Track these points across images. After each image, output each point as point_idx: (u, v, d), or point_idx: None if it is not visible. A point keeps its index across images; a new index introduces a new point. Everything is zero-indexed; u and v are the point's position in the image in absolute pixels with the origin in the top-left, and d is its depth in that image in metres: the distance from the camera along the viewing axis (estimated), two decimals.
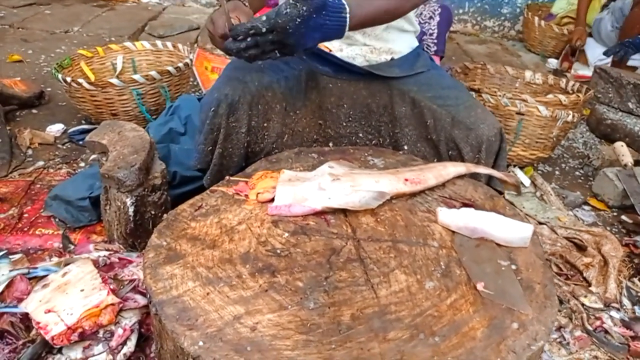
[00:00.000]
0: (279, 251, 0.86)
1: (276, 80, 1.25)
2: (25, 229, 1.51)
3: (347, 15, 0.96)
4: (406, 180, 1.01)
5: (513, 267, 0.85)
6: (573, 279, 1.45)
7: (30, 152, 1.92)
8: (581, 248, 1.56)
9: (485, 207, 1.01)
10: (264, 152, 1.28)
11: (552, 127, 1.88)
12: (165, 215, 0.94)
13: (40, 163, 1.85)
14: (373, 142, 1.34)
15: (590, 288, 1.40)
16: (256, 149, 1.28)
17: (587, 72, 3.01)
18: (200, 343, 0.69)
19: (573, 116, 1.88)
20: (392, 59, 1.31)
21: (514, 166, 2.01)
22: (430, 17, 2.38)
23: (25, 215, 1.58)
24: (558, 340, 1.27)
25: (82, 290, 1.02)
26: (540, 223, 1.72)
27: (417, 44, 1.37)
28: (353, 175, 1.00)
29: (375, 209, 0.96)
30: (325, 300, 0.76)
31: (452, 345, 0.70)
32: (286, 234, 0.89)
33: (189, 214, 0.95)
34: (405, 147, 1.28)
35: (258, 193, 0.98)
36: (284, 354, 0.68)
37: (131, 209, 1.20)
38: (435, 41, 2.38)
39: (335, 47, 1.29)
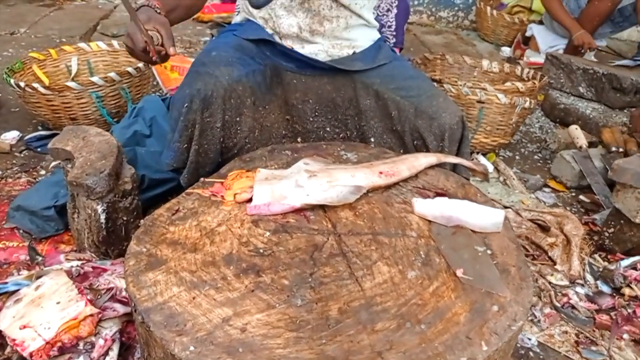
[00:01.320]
0: (261, 250, 0.86)
1: (245, 74, 1.24)
2: None
3: None
4: (381, 173, 1.03)
5: (489, 252, 0.89)
6: (539, 259, 1.52)
7: None
8: (545, 229, 1.63)
9: (458, 195, 1.04)
10: (237, 147, 1.27)
11: (512, 114, 1.95)
12: (142, 221, 0.92)
13: None
14: (341, 135, 1.35)
15: (555, 267, 1.47)
16: (229, 144, 1.27)
17: (539, 59, 3.12)
18: (192, 348, 0.68)
19: (530, 102, 1.96)
20: (354, 53, 1.33)
21: (477, 153, 2.08)
22: (388, 10, 2.40)
23: None
24: (529, 318, 1.33)
25: (58, 303, 0.99)
26: (506, 207, 1.78)
27: (378, 36, 1.39)
28: (329, 170, 1.01)
29: (353, 203, 0.97)
30: (312, 297, 0.77)
31: (438, 331, 0.73)
32: (267, 233, 0.90)
33: (167, 219, 0.93)
34: (372, 140, 1.30)
35: (235, 194, 0.98)
36: (276, 353, 0.68)
37: (103, 216, 1.17)
38: (394, 33, 2.41)
39: (296, 45, 1.30)
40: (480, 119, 1.96)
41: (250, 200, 0.97)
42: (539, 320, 1.31)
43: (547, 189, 1.94)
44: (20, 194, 1.60)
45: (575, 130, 2.06)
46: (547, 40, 3.20)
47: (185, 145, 1.19)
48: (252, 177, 1.01)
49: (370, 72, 1.31)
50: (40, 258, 1.36)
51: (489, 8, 3.55)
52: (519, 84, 1.90)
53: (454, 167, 1.26)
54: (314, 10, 1.27)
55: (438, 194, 1.03)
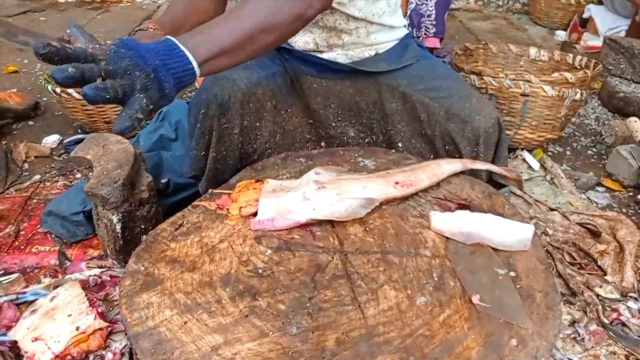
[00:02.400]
0: (261, 271, 0.81)
1: (264, 76, 1.19)
2: (22, 247, 1.49)
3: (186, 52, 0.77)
4: (397, 183, 0.95)
5: (512, 274, 0.79)
6: (587, 268, 1.38)
7: (26, 166, 1.90)
8: (595, 234, 1.48)
9: (483, 207, 0.95)
10: (257, 152, 1.23)
11: (560, 107, 1.79)
12: (144, 237, 0.90)
13: (37, 177, 1.83)
14: (366, 140, 1.28)
15: (605, 277, 1.33)
16: (249, 150, 1.23)
17: (598, 43, 2.87)
18: None
19: (581, 94, 1.79)
20: (376, 54, 1.24)
21: (522, 149, 1.93)
22: None
23: (22, 232, 1.56)
24: (572, 336, 1.21)
25: (69, 316, 1.00)
26: (552, 209, 1.64)
27: (404, 33, 1.29)
28: (339, 181, 0.94)
29: (364, 217, 0.90)
30: (309, 324, 0.72)
31: None
32: (269, 251, 0.85)
33: (169, 234, 0.90)
34: (400, 145, 1.22)
35: (241, 207, 0.93)
36: None
37: (118, 226, 1.16)
38: (434, 22, 2.29)
39: (316, 52, 1.24)
40: (524, 114, 1.81)
41: (255, 214, 0.92)
42: (582, 339, 1.19)
43: (600, 189, 1.77)
44: (54, 198, 1.65)
45: (635, 123, 1.86)
46: (607, 22, 2.94)
47: (203, 152, 1.16)
48: (259, 190, 0.96)
49: (396, 73, 1.22)
50: (68, 263, 1.39)
51: None
52: (568, 75, 1.74)
53: (490, 174, 1.15)
54: (329, 26, 1.20)
55: (460, 206, 0.94)
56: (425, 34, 2.37)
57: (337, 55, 1.22)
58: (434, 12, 2.33)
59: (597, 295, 1.30)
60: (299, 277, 0.79)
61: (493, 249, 0.84)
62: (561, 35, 3.21)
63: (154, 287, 0.79)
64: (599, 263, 1.39)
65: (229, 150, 1.19)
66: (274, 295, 0.76)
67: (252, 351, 0.68)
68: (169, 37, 0.78)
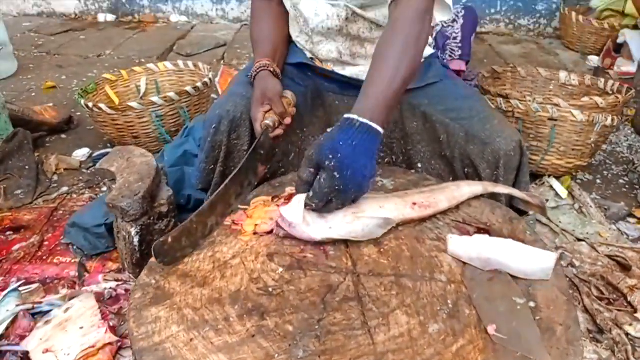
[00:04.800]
0: (271, 289, 0.80)
1: None
2: (44, 258, 1.52)
3: (360, 120, 0.87)
4: (414, 204, 0.93)
5: (531, 304, 0.76)
6: (616, 304, 1.31)
7: (55, 177, 1.95)
8: (625, 268, 1.42)
9: (503, 232, 0.91)
10: (269, 171, 1.23)
11: (590, 133, 1.74)
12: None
13: (65, 189, 1.88)
14: (386, 160, 1.26)
15: (635, 315, 1.26)
16: None
17: (632, 69, 2.80)
18: None
19: (612, 119, 1.73)
20: None
21: (550, 176, 1.87)
22: (454, 21, 2.27)
23: (46, 243, 1.59)
24: None
25: (81, 328, 1.00)
26: (579, 240, 1.58)
27: (430, 52, 1.28)
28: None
29: (379, 238, 0.88)
30: (316, 348, 0.70)
31: None
32: (281, 269, 0.83)
33: None
34: (419, 165, 1.20)
35: (255, 224, 0.93)
36: None
37: (136, 239, 1.17)
38: (460, 45, 2.27)
39: (337, 67, 1.24)
40: (552, 139, 1.76)
41: (270, 232, 0.91)
42: None
43: (632, 220, 1.69)
44: (78, 210, 1.68)
45: None
46: None
47: (212, 166, 1.18)
48: (276, 207, 0.95)
49: (417, 92, 1.21)
50: (87, 275, 1.40)
51: (574, 14, 3.26)
52: (599, 99, 1.69)
53: (511, 199, 1.12)
54: (353, 35, 1.20)
55: (479, 230, 0.91)
56: (450, 56, 2.35)
57: (360, 72, 1.22)
58: (460, 34, 2.32)
59: (627, 334, 1.23)
60: (309, 298, 0.78)
61: (512, 276, 0.80)
62: (594, 60, 3.14)
63: (164, 302, 0.79)
64: (629, 299, 1.32)
65: (237, 166, 1.20)
66: (283, 315, 0.75)
67: None
68: (360, 120, 0.87)
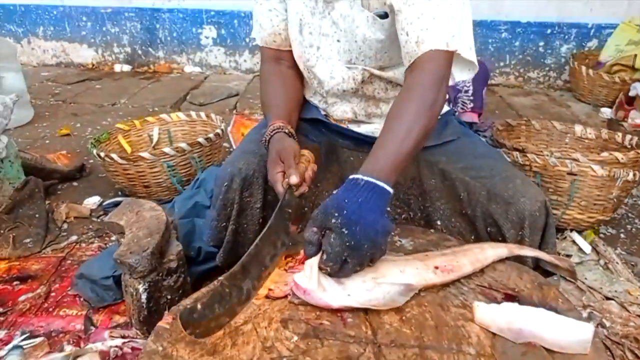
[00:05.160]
0: None
1: None
2: (51, 309, 1.47)
3: (365, 178, 0.85)
4: (437, 267, 0.88)
5: None
6: None
7: (65, 226, 1.93)
8: None
9: (533, 299, 0.86)
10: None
11: (612, 188, 1.69)
12: (166, 313, 0.85)
13: (74, 238, 1.84)
14: (403, 216, 1.22)
15: None
16: None
17: None
18: None
19: (634, 174, 1.69)
20: None
21: (571, 230, 1.81)
22: None
23: (53, 293, 1.55)
24: None
25: None
26: (608, 298, 1.50)
27: (445, 110, 1.27)
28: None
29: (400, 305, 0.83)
30: None
31: None
32: (295, 338, 0.78)
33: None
34: (439, 223, 1.16)
35: (269, 289, 0.88)
36: None
37: (144, 296, 1.13)
38: (472, 98, 2.27)
39: (352, 125, 1.23)
40: (572, 193, 1.71)
41: (285, 297, 0.86)
42: None
43: None
44: (86, 261, 1.64)
45: None
46: None
47: (224, 223, 1.15)
48: (289, 270, 0.91)
49: (434, 150, 1.19)
50: (93, 329, 1.35)
51: (584, 68, 3.28)
52: (619, 155, 1.65)
53: (537, 259, 1.07)
54: (368, 95, 1.20)
55: (507, 297, 0.85)
56: (462, 109, 2.35)
57: (375, 130, 1.20)
58: (471, 87, 2.33)
59: None
60: None
61: (547, 350, 0.74)
62: (606, 112, 3.13)
63: None
64: None
65: (250, 224, 1.18)
66: None
67: None
68: (370, 181, 0.85)
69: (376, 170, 0.87)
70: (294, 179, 0.97)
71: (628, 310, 1.45)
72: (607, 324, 1.39)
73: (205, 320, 0.77)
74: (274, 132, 1.09)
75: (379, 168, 0.87)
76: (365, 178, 0.85)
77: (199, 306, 0.76)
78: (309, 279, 0.82)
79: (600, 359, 0.73)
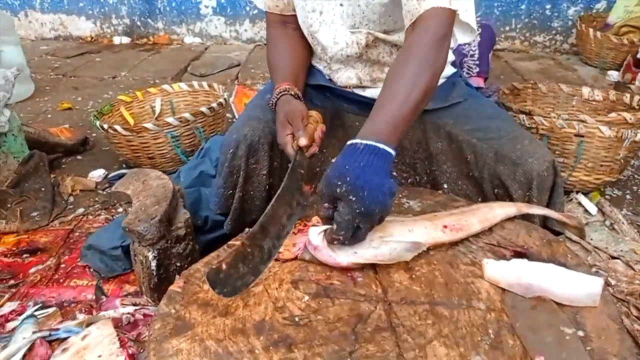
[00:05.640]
0: (297, 319, 0.75)
1: None
2: (61, 280, 1.49)
3: (364, 142, 0.83)
4: (445, 227, 0.88)
5: (580, 333, 0.70)
6: None
7: (71, 199, 1.94)
8: None
9: (542, 255, 0.86)
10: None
11: (618, 149, 1.68)
12: (177, 277, 0.86)
13: (81, 210, 1.86)
14: (409, 180, 1.22)
15: None
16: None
17: None
18: None
19: None
20: None
21: (577, 192, 1.81)
22: None
23: (62, 265, 1.57)
24: None
25: (99, 356, 0.96)
26: (613, 257, 1.51)
27: (452, 71, 1.25)
28: (383, 224, 0.88)
29: (409, 264, 0.84)
30: None
31: None
32: (306, 297, 0.79)
33: (203, 275, 0.86)
34: (445, 186, 1.15)
35: (279, 252, 0.88)
36: None
37: (153, 263, 1.14)
38: (477, 62, 2.24)
39: (357, 89, 1.21)
40: (579, 155, 1.70)
41: (295, 258, 0.87)
42: None
43: None
44: (94, 232, 1.66)
45: None
46: None
47: (230, 191, 1.14)
48: (298, 233, 0.91)
49: (441, 112, 1.17)
50: (104, 298, 1.37)
51: (591, 30, 3.21)
52: (627, 115, 1.63)
53: (544, 220, 1.07)
54: (373, 60, 1.17)
55: (516, 254, 0.85)
56: (467, 73, 2.32)
57: None
58: (477, 51, 2.29)
59: None
60: (338, 328, 0.73)
61: (557, 303, 0.75)
62: (613, 75, 3.08)
63: (185, 332, 0.74)
64: None
65: (256, 190, 1.17)
66: (312, 347, 0.70)
67: None
68: (370, 143, 0.82)
69: (375, 133, 0.84)
70: (303, 141, 0.96)
71: (633, 269, 1.46)
72: (613, 282, 1.40)
73: (231, 280, 0.77)
74: (280, 94, 1.08)
75: (379, 130, 0.85)
76: (364, 142, 0.83)
77: (224, 266, 0.76)
78: (321, 236, 0.82)
79: (610, 311, 0.74)
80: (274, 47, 1.24)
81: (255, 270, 0.80)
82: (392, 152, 0.84)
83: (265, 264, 0.82)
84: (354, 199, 0.78)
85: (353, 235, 0.81)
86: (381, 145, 0.82)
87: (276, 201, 0.84)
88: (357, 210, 0.78)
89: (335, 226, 0.80)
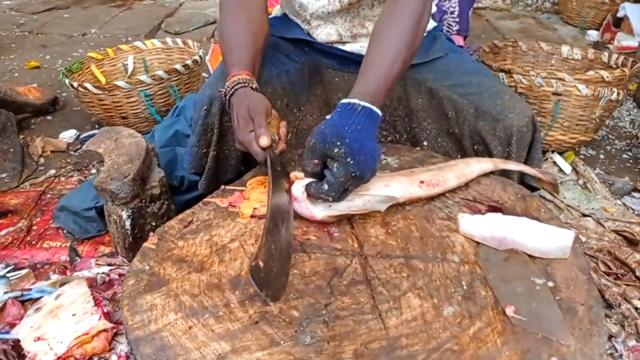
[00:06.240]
0: None
1: (276, 74, 1.13)
2: (34, 242, 1.46)
3: (362, 103, 0.82)
4: (422, 182, 0.88)
5: (550, 284, 0.72)
6: (624, 279, 1.28)
7: (42, 160, 1.88)
8: (632, 242, 1.39)
9: (516, 210, 0.87)
10: None
11: (595, 107, 1.69)
12: (151, 234, 0.85)
13: (52, 172, 1.81)
14: (389, 138, 1.21)
15: None
16: None
17: (633, 43, 2.75)
18: None
19: (618, 94, 1.68)
20: None
21: (553, 152, 1.83)
22: None
23: (34, 227, 1.53)
24: (609, 352, 1.12)
25: (73, 315, 0.95)
26: (585, 215, 1.55)
27: (433, 25, 1.22)
28: None
29: (386, 218, 0.84)
30: (324, 334, 0.65)
31: None
32: None
33: (177, 232, 0.85)
34: (425, 143, 1.15)
35: (254, 207, 0.87)
36: None
37: (128, 223, 1.12)
38: (457, 20, 2.20)
39: (337, 44, 1.17)
40: (556, 114, 1.71)
41: None
42: (620, 355, 1.10)
43: (637, 194, 1.66)
44: (66, 194, 1.62)
45: None
46: None
47: (204, 149, 1.11)
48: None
49: (422, 67, 1.15)
50: (78, 259, 1.35)
51: None
52: (604, 73, 1.64)
53: (522, 177, 1.07)
54: (353, 13, 1.13)
55: (491, 209, 0.86)
56: (447, 31, 2.28)
57: (361, 48, 1.15)
58: (457, 8, 2.25)
59: (636, 309, 1.20)
60: (314, 282, 0.73)
61: (529, 256, 0.76)
62: (593, 35, 3.08)
63: (159, 288, 0.74)
64: (637, 274, 1.29)
65: (231, 149, 1.13)
66: (287, 300, 0.70)
67: None
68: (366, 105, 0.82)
69: (370, 94, 0.84)
70: (264, 141, 0.87)
71: (603, 226, 1.49)
72: (583, 239, 1.43)
73: (272, 275, 0.72)
74: (237, 85, 0.96)
75: (373, 90, 0.84)
76: (362, 103, 0.82)
77: (260, 264, 0.70)
78: (302, 189, 0.82)
79: (579, 262, 0.75)
80: (231, 16, 1.08)
81: (287, 257, 0.77)
82: (380, 113, 0.84)
83: (289, 248, 0.79)
84: (351, 162, 0.77)
85: (340, 196, 0.80)
86: (375, 108, 0.83)
87: (273, 194, 0.82)
88: (353, 174, 0.77)
89: (326, 186, 0.79)
